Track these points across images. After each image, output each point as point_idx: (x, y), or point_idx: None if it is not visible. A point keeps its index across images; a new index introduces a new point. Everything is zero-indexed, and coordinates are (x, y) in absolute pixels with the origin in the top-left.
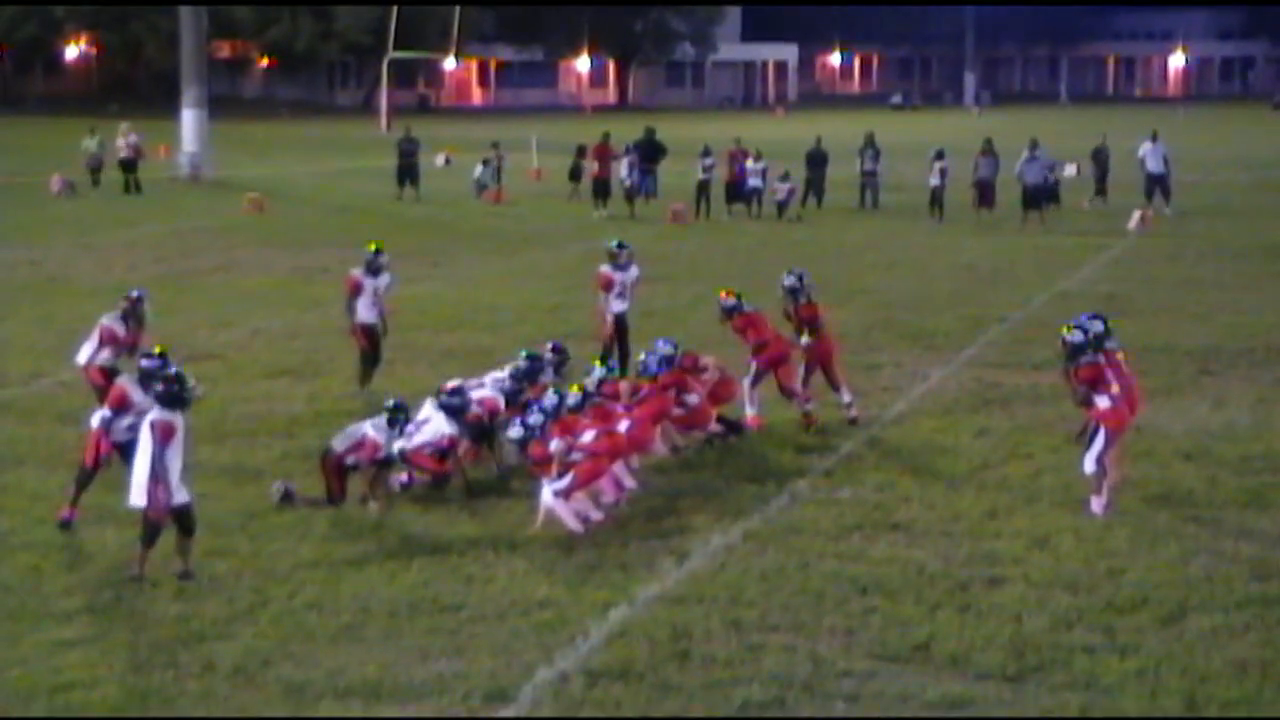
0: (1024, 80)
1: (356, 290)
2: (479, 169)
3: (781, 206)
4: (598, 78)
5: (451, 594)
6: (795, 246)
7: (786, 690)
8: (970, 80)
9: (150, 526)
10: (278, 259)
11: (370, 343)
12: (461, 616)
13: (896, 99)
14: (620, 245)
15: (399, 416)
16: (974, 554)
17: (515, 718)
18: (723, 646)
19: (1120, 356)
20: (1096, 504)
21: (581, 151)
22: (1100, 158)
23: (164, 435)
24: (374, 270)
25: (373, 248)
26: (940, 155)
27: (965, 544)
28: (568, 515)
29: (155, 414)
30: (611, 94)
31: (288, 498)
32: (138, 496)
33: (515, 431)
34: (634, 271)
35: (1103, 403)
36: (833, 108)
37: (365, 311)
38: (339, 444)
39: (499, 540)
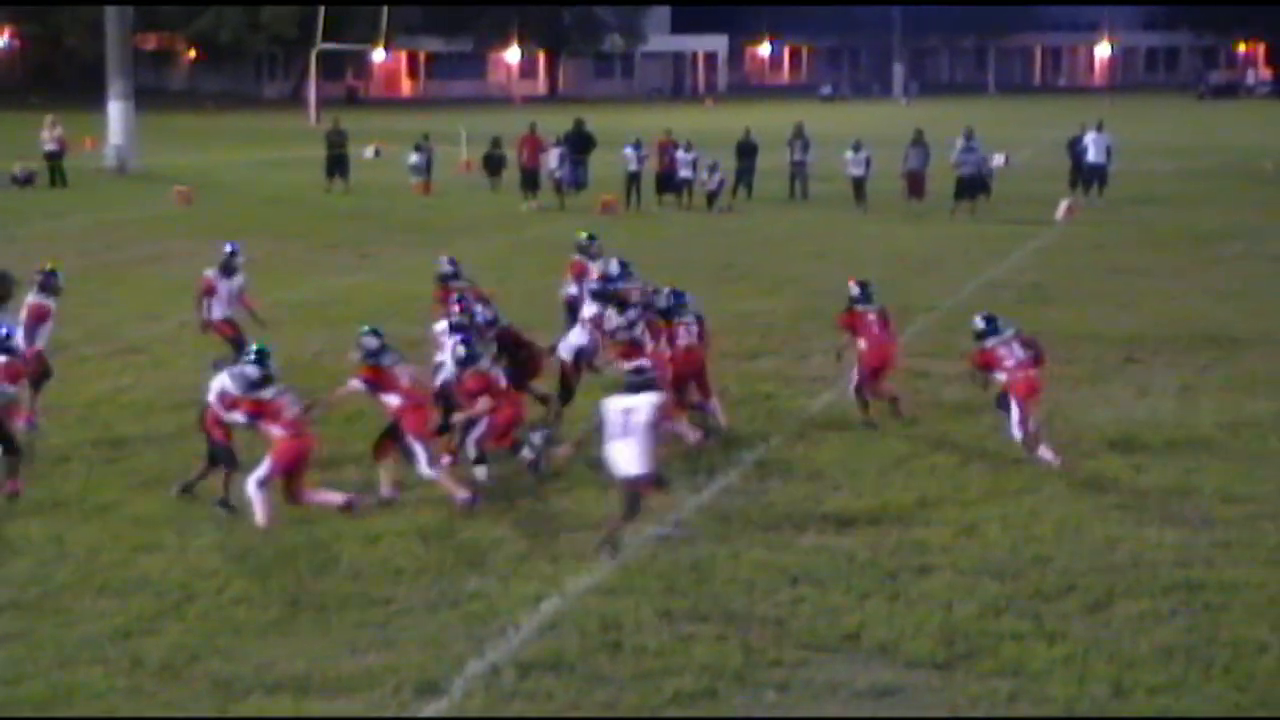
0: (952, 71)
1: (210, 291)
2: (414, 156)
3: (712, 197)
4: (527, 69)
5: (381, 587)
6: (726, 236)
7: (717, 680)
8: (898, 71)
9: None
10: (206, 251)
11: (236, 333)
12: (391, 609)
13: (826, 90)
14: (591, 238)
15: (265, 360)
16: (903, 543)
17: (446, 714)
18: (654, 637)
19: (1015, 343)
20: (1047, 453)
21: (497, 143)
22: (1076, 150)
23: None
24: (228, 271)
25: (228, 248)
26: (858, 146)
27: (894, 533)
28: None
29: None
30: (541, 85)
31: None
32: None
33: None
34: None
35: (1000, 378)
36: (762, 98)
37: (219, 310)
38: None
39: (428, 532)
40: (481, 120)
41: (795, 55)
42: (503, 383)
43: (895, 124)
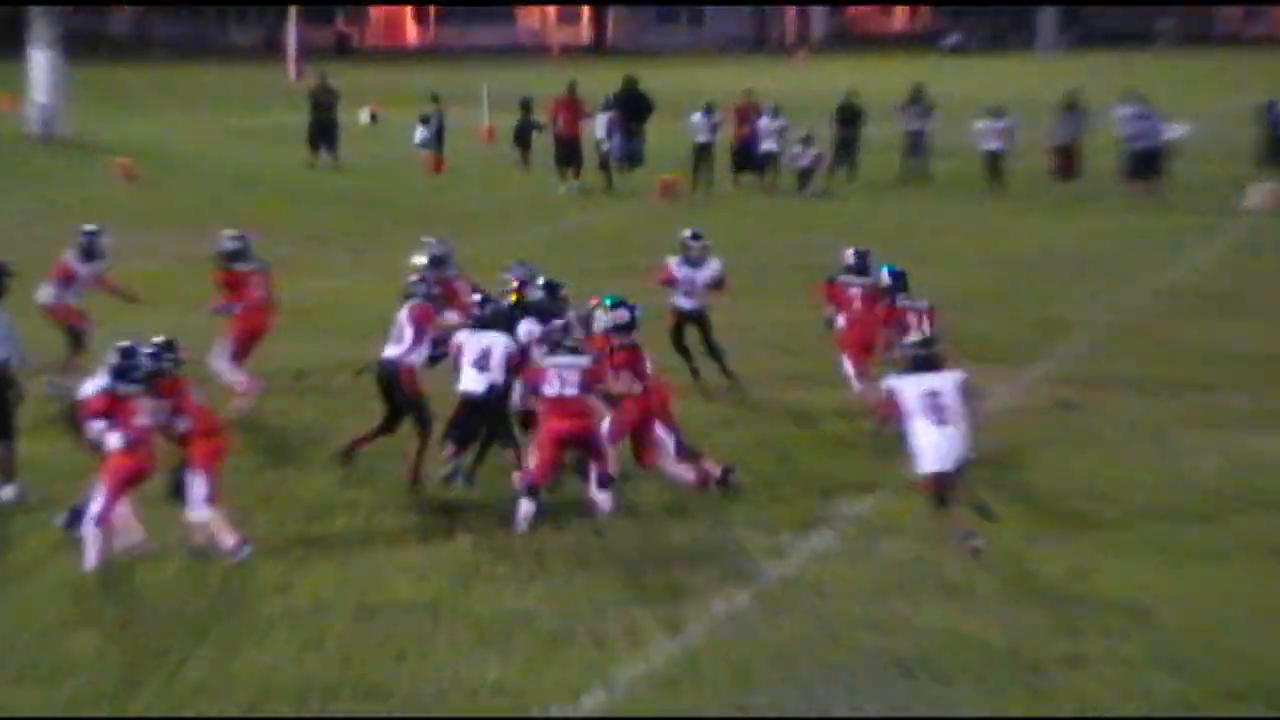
0: (1113, 17)
1: (67, 278)
2: (419, 130)
3: (803, 176)
4: (568, 12)
5: (378, 673)
6: (820, 228)
7: None
8: (1046, 16)
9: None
10: (156, 243)
11: (82, 322)
12: (391, 703)
13: (951, 40)
14: (696, 236)
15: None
16: (1048, 625)
17: None
18: None
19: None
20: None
21: (527, 106)
22: (1274, 119)
23: None
24: (90, 255)
25: (86, 231)
26: (997, 114)
27: (1036, 612)
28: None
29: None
30: (585, 33)
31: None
32: None
33: None
34: (712, 268)
35: (840, 322)
36: (870, 51)
37: (70, 297)
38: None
39: (439, 603)
40: (509, 78)
41: None
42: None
43: (1041, 84)
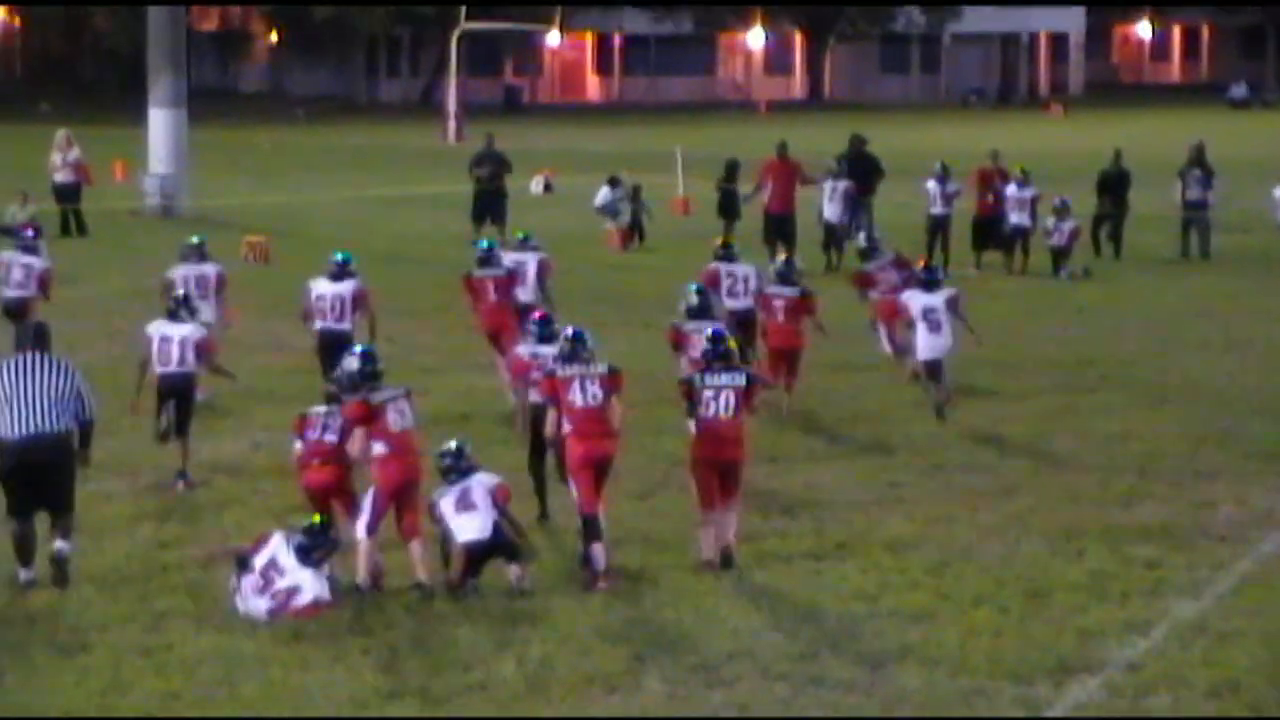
0: None
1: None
2: (604, 192)
3: (1059, 255)
4: (777, 59)
5: None
6: (1080, 316)
7: None
8: None
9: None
10: (292, 337)
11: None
12: None
13: (1238, 91)
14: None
15: None
16: None
17: None
18: None
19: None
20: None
21: (731, 172)
22: None
23: None
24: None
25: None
26: None
27: None
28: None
29: None
30: (798, 84)
31: None
32: None
33: None
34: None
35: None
36: (1139, 104)
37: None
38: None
39: None
40: (707, 137)
41: (1190, 38)
42: None
43: None
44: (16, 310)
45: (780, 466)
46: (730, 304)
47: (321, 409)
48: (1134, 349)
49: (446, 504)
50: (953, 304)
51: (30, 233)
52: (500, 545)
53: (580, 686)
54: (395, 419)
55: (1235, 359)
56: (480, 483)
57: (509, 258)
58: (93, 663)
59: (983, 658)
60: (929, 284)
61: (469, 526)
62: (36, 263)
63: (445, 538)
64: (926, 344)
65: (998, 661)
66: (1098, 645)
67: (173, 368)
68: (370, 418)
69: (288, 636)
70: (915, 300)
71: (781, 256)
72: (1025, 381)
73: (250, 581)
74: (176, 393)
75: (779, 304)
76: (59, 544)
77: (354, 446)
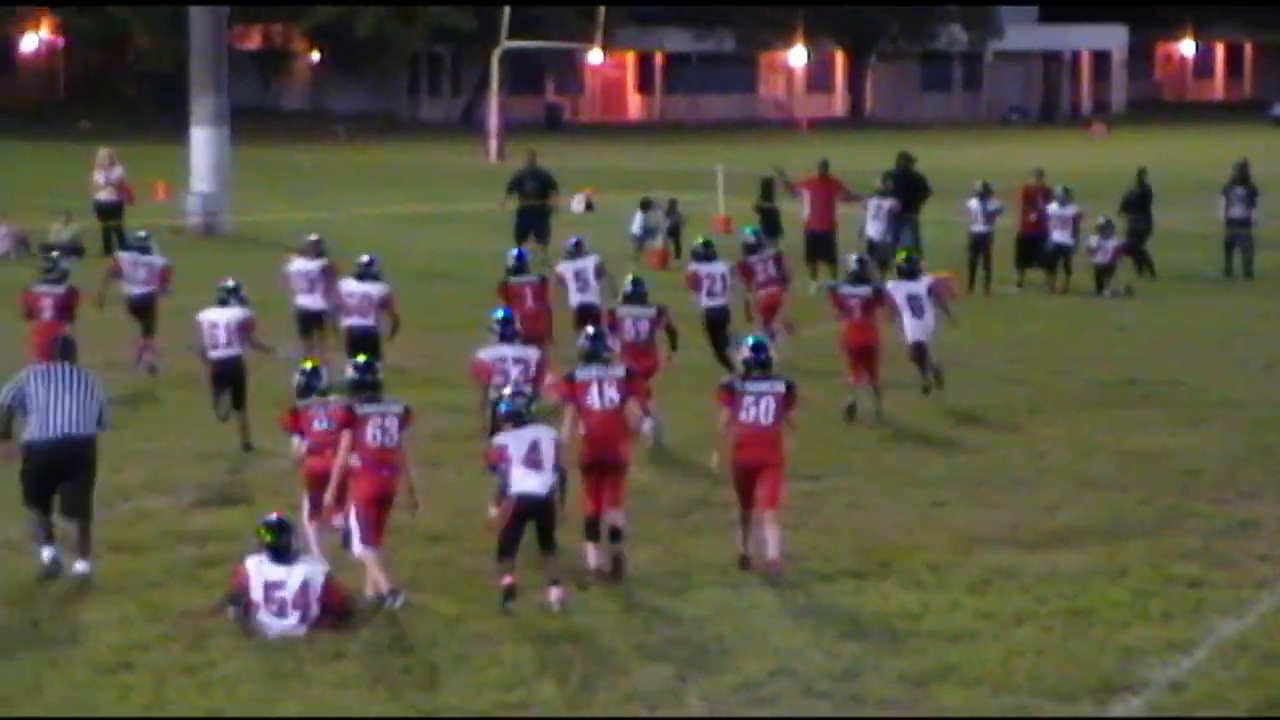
0: None
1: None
2: (637, 219)
3: (1103, 273)
4: (819, 78)
5: None
6: (1123, 335)
7: None
8: None
9: None
10: (334, 358)
11: None
12: None
13: None
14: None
15: None
16: None
17: None
18: None
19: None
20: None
21: (768, 190)
22: None
23: None
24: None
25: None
26: None
27: None
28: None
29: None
30: (840, 102)
31: None
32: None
33: None
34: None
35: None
36: (1181, 121)
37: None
38: None
39: None
40: (748, 156)
41: (1233, 56)
42: None
43: None
44: (141, 305)
45: (822, 484)
46: (707, 303)
47: (309, 401)
48: (1176, 367)
49: (516, 450)
50: (933, 290)
51: (144, 232)
52: (549, 510)
53: (621, 706)
54: (373, 434)
55: (1277, 378)
56: (547, 436)
57: (567, 267)
58: (135, 681)
59: (1025, 677)
60: (911, 274)
61: (531, 481)
62: (157, 260)
63: (502, 485)
64: (911, 327)
65: (1040, 680)
66: (1140, 664)
67: (220, 351)
68: (351, 425)
69: (329, 655)
70: (899, 289)
71: (852, 257)
72: (1067, 400)
73: (267, 613)
74: (229, 374)
75: (854, 303)
76: (79, 566)
77: (341, 445)
